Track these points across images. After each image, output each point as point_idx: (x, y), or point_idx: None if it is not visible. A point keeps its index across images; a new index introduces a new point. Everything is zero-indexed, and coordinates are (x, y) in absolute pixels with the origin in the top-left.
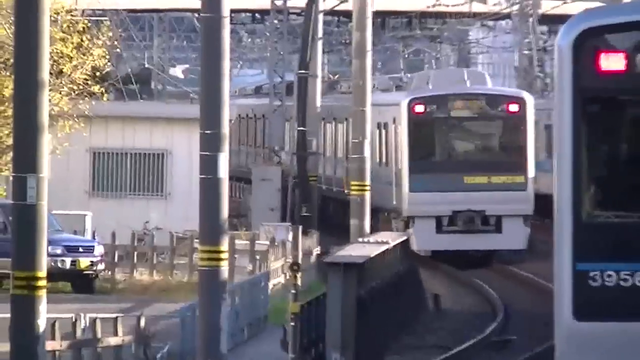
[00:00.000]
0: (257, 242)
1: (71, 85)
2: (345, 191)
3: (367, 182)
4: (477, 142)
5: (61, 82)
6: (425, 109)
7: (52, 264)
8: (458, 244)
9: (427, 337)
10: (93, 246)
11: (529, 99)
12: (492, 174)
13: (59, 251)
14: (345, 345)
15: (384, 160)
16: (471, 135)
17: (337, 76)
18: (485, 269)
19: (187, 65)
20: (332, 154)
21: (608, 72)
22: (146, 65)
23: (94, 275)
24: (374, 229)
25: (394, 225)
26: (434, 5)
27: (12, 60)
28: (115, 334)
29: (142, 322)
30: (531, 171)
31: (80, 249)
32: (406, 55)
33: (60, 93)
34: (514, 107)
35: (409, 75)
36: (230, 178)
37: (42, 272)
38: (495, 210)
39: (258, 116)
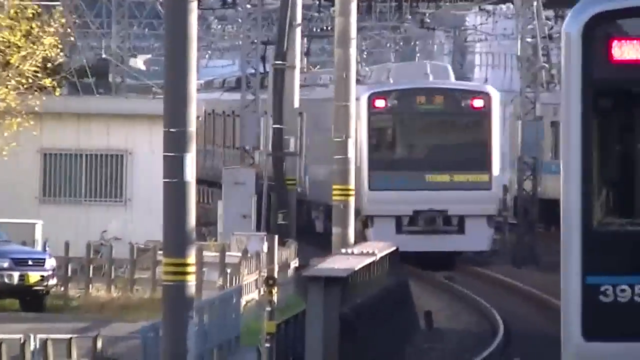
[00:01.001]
0: (227, 253)
1: (19, 78)
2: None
3: (351, 185)
4: (439, 138)
5: (8, 75)
6: (386, 104)
7: None
8: (419, 245)
9: (419, 359)
10: (44, 259)
11: (495, 94)
12: (455, 173)
13: (5, 264)
14: None
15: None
16: (434, 131)
17: (317, 67)
18: (483, 282)
19: (149, 56)
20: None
21: (622, 62)
22: (103, 56)
23: (44, 292)
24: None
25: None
26: None
27: None
28: (69, 356)
29: (99, 344)
30: (496, 169)
31: (30, 262)
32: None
33: (7, 87)
34: (478, 103)
35: (367, 68)
36: (198, 182)
37: None
38: (458, 210)
39: (227, 112)
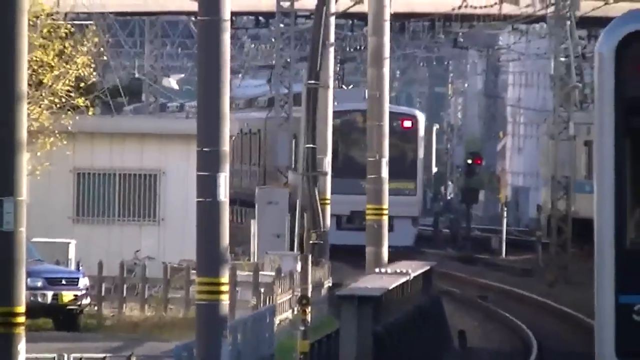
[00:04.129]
0: (261, 272)
1: (52, 98)
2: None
3: (385, 205)
4: None
5: (41, 95)
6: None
7: (32, 298)
8: (354, 239)
9: None
10: (77, 278)
11: (420, 116)
12: (393, 181)
13: (39, 284)
14: None
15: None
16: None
17: (351, 87)
18: (517, 302)
19: (182, 75)
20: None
21: None
22: (136, 75)
23: (78, 311)
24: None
25: None
26: (459, 7)
27: None
28: None
29: None
30: (420, 179)
31: (63, 281)
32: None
33: (40, 106)
34: (407, 123)
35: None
36: (231, 201)
37: (21, 308)
38: (388, 211)
39: (254, 131)
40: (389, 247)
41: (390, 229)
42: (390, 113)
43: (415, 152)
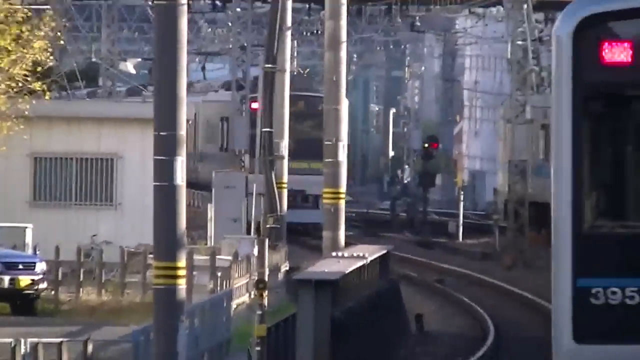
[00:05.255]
0: (218, 257)
1: (9, 82)
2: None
3: (343, 189)
4: (301, 133)
5: None
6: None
7: None
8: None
9: None
10: (34, 262)
11: (345, 101)
12: (311, 161)
13: None
14: None
15: (225, 146)
16: (297, 128)
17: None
18: (474, 285)
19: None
20: None
21: (612, 65)
22: (93, 60)
23: (35, 295)
24: None
25: None
26: None
27: None
28: None
29: (90, 348)
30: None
31: (20, 266)
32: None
33: None
34: None
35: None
36: (188, 185)
37: None
38: (313, 190)
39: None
40: (316, 224)
41: (315, 206)
42: (313, 97)
43: None
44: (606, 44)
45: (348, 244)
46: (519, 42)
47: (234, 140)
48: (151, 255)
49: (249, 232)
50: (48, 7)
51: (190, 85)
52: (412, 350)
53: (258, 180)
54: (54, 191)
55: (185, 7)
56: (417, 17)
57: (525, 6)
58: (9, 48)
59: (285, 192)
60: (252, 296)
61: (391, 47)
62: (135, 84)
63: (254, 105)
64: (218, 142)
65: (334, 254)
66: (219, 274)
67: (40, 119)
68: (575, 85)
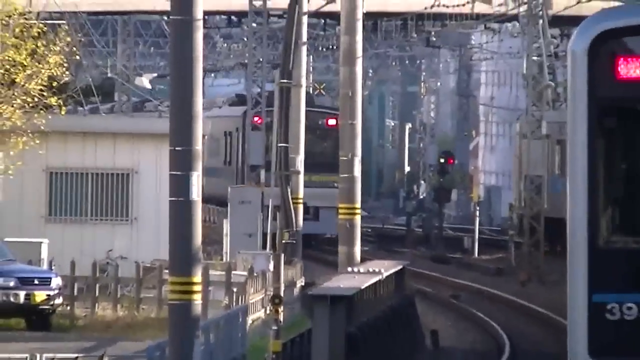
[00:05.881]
0: (233, 272)
1: (25, 97)
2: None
3: (358, 204)
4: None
5: (13, 94)
6: (262, 121)
7: (4, 298)
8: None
9: None
10: (50, 278)
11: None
12: (312, 174)
13: (11, 283)
14: None
15: (228, 160)
16: None
17: (322, 85)
18: (489, 301)
19: (154, 74)
20: None
21: (627, 80)
22: (109, 75)
23: (50, 311)
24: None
25: None
26: (432, 6)
27: None
28: None
29: None
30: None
31: (36, 281)
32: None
33: (12, 106)
34: (332, 121)
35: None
36: (204, 200)
37: None
38: (314, 202)
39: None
40: (316, 235)
41: (316, 218)
42: (315, 112)
43: (338, 148)
44: (621, 59)
45: (363, 259)
46: (535, 58)
47: (250, 154)
48: (167, 271)
49: (264, 247)
50: (63, 22)
51: None
52: None
53: (273, 193)
54: (69, 206)
55: (201, 23)
56: (433, 33)
57: (540, 22)
58: (25, 63)
59: (301, 207)
60: (268, 312)
61: (406, 62)
62: (137, 99)
63: (256, 119)
64: (222, 157)
65: (349, 269)
66: (234, 289)
67: (55, 134)
68: (591, 101)
